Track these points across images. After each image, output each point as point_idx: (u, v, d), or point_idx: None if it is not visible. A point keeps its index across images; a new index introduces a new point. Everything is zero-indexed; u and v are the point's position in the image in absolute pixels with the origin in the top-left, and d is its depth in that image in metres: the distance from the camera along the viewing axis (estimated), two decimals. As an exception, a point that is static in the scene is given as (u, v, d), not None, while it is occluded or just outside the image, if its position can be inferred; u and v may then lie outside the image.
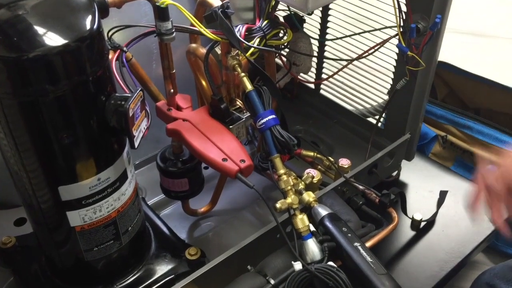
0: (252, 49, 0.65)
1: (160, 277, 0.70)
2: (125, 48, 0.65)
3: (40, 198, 0.59)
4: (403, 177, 0.94)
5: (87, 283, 0.68)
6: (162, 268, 0.70)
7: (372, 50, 0.84)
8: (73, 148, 0.56)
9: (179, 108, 0.72)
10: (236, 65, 0.66)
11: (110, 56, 0.63)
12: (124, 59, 0.65)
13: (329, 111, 1.05)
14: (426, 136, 1.04)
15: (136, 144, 0.58)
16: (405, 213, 0.82)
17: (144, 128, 0.60)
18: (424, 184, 0.92)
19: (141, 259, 0.71)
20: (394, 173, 0.93)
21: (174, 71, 0.68)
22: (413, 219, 0.84)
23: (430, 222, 0.85)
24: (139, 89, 0.57)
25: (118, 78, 0.62)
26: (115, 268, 0.68)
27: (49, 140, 0.54)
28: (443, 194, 0.89)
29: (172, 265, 0.71)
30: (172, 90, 0.70)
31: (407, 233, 0.83)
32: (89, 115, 0.55)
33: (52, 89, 0.50)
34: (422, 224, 0.84)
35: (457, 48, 1.17)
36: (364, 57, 0.86)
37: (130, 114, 0.55)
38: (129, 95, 0.56)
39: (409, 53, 0.76)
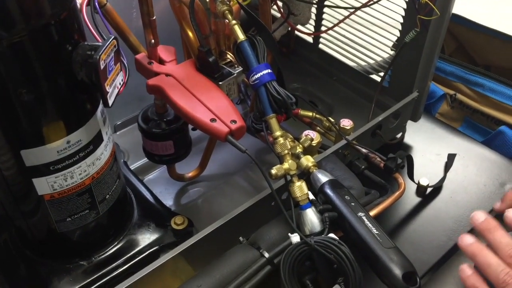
0: (244, -8, 0.58)
1: (143, 248, 0.64)
2: (97, -9, 0.57)
3: (1, 164, 0.52)
4: (408, 139, 0.87)
5: (62, 256, 0.62)
6: (145, 239, 0.65)
7: (379, -3, 0.75)
8: (35, 106, 0.48)
9: (161, 62, 0.64)
10: (227, 12, 0.58)
11: (79, 0, 0.55)
12: (96, 4, 0.57)
13: (328, 68, 0.97)
14: (433, 95, 0.97)
15: (110, 102, 0.51)
16: (412, 179, 0.76)
17: (119, 84, 0.53)
18: (430, 147, 0.86)
19: (122, 229, 0.65)
20: (398, 135, 0.87)
21: (154, 17, 0.59)
22: (419, 185, 0.78)
23: (437, 188, 0.79)
24: (112, 37, 0.49)
25: (89, 25, 0.54)
26: (93, 239, 0.62)
27: (7, 96, 0.46)
28: (451, 157, 0.83)
29: (156, 235, 0.65)
30: (153, 41, 0.62)
31: (412, 199, 0.78)
32: (52, 67, 0.48)
33: (5, 35, 0.43)
34: (429, 190, 0.78)
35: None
36: (369, 5, 0.77)
37: (102, 67, 0.48)
38: (100, 44, 0.48)
39: (422, -1, 0.68)
